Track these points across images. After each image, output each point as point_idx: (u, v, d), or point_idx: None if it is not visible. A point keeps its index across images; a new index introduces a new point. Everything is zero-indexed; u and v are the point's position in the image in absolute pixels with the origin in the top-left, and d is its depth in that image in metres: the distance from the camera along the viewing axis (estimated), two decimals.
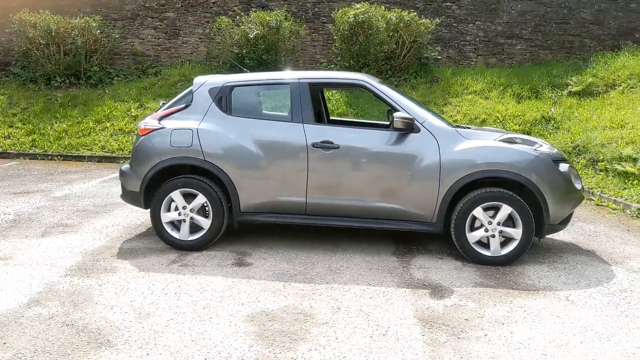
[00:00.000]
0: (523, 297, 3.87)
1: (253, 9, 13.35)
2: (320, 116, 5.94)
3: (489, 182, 4.61)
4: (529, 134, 9.70)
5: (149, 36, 13.96)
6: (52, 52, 12.43)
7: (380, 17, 11.96)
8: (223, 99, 4.91)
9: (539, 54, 13.68)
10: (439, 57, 13.47)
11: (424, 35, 12.23)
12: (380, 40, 11.86)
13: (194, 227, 4.84)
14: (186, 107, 4.96)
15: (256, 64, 11.98)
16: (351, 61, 12.22)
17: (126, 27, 13.91)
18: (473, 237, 4.53)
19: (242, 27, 12.21)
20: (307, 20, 13.67)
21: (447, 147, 4.55)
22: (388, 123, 5.44)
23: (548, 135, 9.72)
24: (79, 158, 10.13)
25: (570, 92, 11.45)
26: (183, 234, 4.81)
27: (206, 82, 5.02)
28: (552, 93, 11.48)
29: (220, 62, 12.72)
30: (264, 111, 5.33)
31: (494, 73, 12.45)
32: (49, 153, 10.23)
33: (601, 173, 8.01)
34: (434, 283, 4.12)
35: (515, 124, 10.24)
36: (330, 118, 6.39)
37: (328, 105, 10.79)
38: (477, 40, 13.76)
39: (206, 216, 4.81)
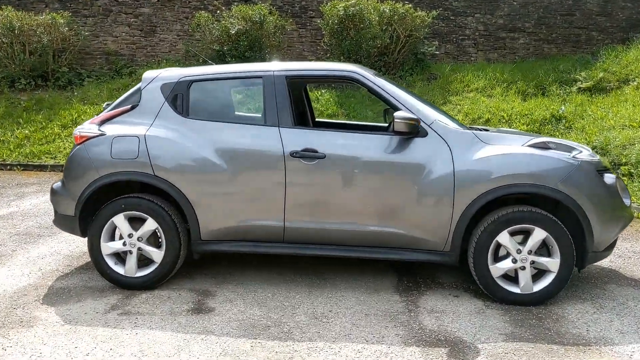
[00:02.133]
0: (573, 357, 2.89)
1: (235, 3, 12.36)
2: (304, 118, 4.95)
3: (516, 199, 3.64)
4: (539, 134, 8.77)
5: (123, 34, 12.90)
6: (16, 51, 11.41)
7: (372, 10, 11.09)
8: (179, 97, 3.90)
9: (543, 48, 12.76)
10: (437, 52, 12.50)
11: (420, 29, 11.36)
12: (372, 34, 10.97)
13: (144, 260, 3.83)
14: (133, 108, 3.94)
15: (238, 62, 11.01)
16: (341, 57, 11.32)
17: (98, 24, 12.85)
18: (498, 269, 3.54)
19: (223, 22, 11.25)
20: (294, 15, 12.68)
21: (463, 154, 3.57)
22: (386, 125, 4.46)
23: (560, 136, 8.77)
24: (41, 168, 9.09)
25: (579, 88, 10.55)
26: (129, 269, 3.79)
27: (158, 76, 4.00)
28: (560, 90, 10.58)
29: (200, 61, 11.71)
30: (230, 112, 4.26)
31: (496, 69, 11.56)
32: (8, 162, 9.19)
33: (624, 178, 7.08)
34: (452, 336, 3.12)
35: (523, 124, 9.30)
36: (316, 120, 5.38)
37: (316, 106, 9.83)
38: (477, 34, 12.82)
39: (158, 246, 3.79)
